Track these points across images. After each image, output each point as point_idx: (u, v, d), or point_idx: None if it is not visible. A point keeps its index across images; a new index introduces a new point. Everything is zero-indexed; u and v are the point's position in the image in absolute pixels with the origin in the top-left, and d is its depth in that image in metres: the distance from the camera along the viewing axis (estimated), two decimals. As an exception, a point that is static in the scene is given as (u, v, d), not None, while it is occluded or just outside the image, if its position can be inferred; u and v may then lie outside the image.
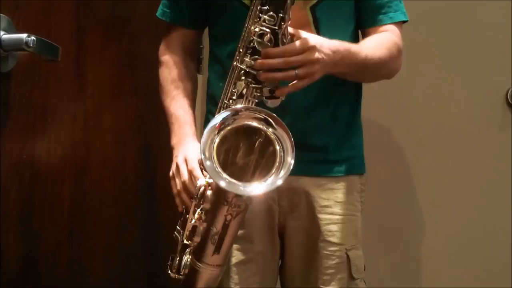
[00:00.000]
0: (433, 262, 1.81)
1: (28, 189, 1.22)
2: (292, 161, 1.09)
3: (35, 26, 1.19)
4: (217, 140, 1.09)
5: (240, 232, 1.30)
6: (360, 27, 1.38)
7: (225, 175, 1.07)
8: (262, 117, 1.11)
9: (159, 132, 1.51)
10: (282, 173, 1.09)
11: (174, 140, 1.32)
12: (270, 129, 1.11)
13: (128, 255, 1.53)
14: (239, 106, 1.14)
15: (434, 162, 1.81)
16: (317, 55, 1.15)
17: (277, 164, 1.09)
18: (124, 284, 1.50)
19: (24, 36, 1.08)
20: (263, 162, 1.14)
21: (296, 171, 1.28)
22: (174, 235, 1.24)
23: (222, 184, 1.06)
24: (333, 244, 1.32)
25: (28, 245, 1.23)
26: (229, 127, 1.11)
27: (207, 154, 1.08)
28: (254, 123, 1.12)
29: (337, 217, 1.33)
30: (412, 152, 1.83)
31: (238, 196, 1.10)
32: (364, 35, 1.37)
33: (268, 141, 1.12)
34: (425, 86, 1.80)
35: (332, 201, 1.33)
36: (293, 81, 1.15)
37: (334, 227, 1.33)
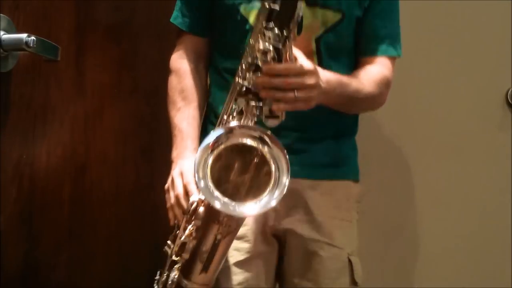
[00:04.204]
0: (433, 262, 1.81)
1: (28, 189, 1.22)
2: (287, 182, 1.07)
3: (35, 26, 1.19)
4: (210, 159, 1.07)
5: (238, 233, 1.31)
6: (356, 57, 1.38)
7: (218, 195, 1.05)
8: (257, 135, 1.09)
9: (159, 132, 1.51)
10: (276, 193, 1.06)
11: (174, 153, 1.31)
12: (266, 148, 1.09)
13: (128, 255, 1.53)
14: (233, 124, 1.12)
15: (434, 162, 1.81)
16: (316, 80, 1.15)
17: (271, 184, 1.07)
18: (124, 284, 1.50)
19: (24, 36, 1.08)
20: (258, 182, 1.11)
21: (291, 174, 1.29)
22: (164, 249, 1.22)
23: (217, 205, 1.05)
24: (335, 247, 1.32)
25: (28, 245, 1.23)
26: (223, 146, 1.08)
27: (201, 175, 1.05)
28: (249, 142, 1.10)
29: (336, 221, 1.34)
30: (412, 152, 1.82)
31: (230, 216, 1.09)
32: (358, 64, 1.37)
33: (263, 160, 1.10)
34: (425, 86, 1.80)
35: (330, 205, 1.33)
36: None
37: (334, 230, 1.33)
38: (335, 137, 1.36)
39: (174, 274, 1.18)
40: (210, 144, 1.07)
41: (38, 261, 1.26)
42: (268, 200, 1.06)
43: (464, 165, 1.80)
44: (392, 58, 1.38)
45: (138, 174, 1.57)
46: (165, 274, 1.20)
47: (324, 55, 1.30)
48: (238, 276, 1.31)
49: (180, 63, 1.38)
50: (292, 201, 1.31)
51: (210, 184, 1.06)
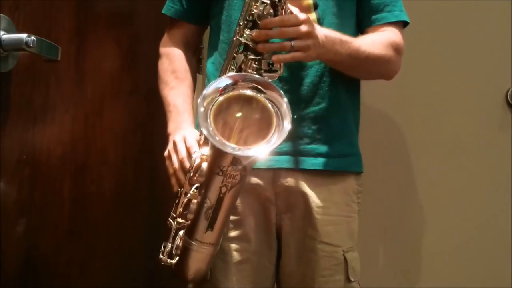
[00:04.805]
0: (432, 262, 1.81)
1: (28, 189, 1.22)
2: (287, 106, 1.09)
3: (35, 26, 1.19)
4: (218, 100, 1.09)
5: (237, 232, 1.31)
6: (361, 27, 1.38)
7: (226, 142, 1.07)
8: (253, 85, 1.12)
9: (159, 132, 1.51)
10: (285, 123, 1.08)
11: (171, 127, 1.32)
12: (262, 95, 1.12)
13: (128, 255, 1.53)
14: (236, 74, 1.14)
15: (434, 162, 1.81)
16: (311, 29, 1.17)
17: (275, 122, 1.09)
18: (124, 284, 1.50)
19: (24, 36, 1.08)
20: (261, 129, 1.12)
21: (290, 164, 1.29)
22: (168, 221, 1.21)
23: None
24: (330, 245, 1.32)
25: (28, 245, 1.23)
26: (229, 94, 1.11)
27: (205, 105, 1.07)
28: (248, 92, 1.12)
29: (334, 218, 1.33)
30: (412, 152, 1.83)
31: (233, 164, 1.09)
32: (364, 34, 1.37)
33: (263, 108, 1.12)
34: (425, 86, 1.80)
35: (329, 202, 1.32)
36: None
37: (331, 229, 1.32)
38: (336, 132, 1.34)
39: (179, 240, 1.17)
40: (220, 88, 1.10)
41: (38, 261, 1.26)
42: (278, 136, 1.07)
43: (464, 164, 1.80)
44: (399, 27, 1.38)
45: (138, 174, 1.57)
46: (169, 244, 1.20)
47: (322, 10, 1.30)
48: (237, 275, 1.31)
49: (170, 47, 1.40)
50: (291, 199, 1.32)
51: (212, 126, 1.07)
